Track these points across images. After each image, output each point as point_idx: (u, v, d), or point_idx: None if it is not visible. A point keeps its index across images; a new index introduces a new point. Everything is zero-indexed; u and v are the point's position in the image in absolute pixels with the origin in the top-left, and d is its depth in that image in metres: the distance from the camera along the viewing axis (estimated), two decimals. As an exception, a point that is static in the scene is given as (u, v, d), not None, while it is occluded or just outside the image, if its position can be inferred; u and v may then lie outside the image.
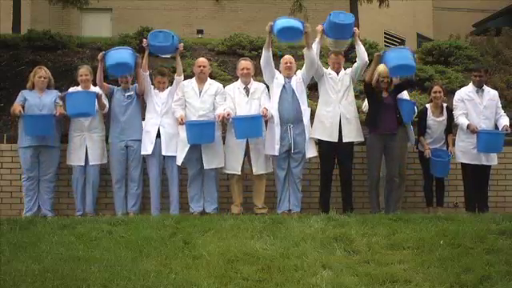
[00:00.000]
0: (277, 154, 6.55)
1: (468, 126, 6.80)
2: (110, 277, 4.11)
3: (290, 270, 4.33)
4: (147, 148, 6.72)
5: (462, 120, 6.89)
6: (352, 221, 5.62)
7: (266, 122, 6.71)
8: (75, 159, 6.81)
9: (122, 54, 6.69)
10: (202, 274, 4.23)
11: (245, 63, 6.81)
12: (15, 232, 5.31)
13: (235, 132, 6.51)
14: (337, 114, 6.63)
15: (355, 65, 6.77)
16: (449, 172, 7.01)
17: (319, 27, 6.70)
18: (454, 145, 7.04)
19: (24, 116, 6.56)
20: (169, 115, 6.79)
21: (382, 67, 6.69)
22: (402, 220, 5.69)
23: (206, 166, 6.63)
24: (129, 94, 6.87)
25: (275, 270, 4.31)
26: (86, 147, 6.77)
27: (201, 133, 6.45)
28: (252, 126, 6.48)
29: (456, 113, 6.96)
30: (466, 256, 4.60)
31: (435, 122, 7.06)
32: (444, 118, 7.07)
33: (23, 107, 6.65)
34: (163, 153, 6.72)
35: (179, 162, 6.66)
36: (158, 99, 6.81)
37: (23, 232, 5.32)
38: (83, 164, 6.79)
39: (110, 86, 7.00)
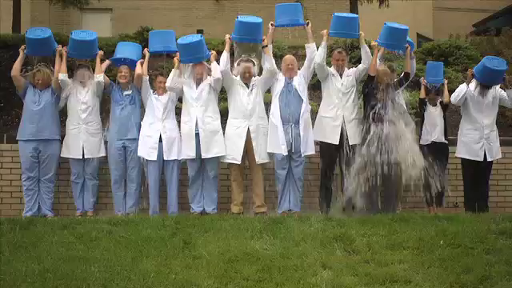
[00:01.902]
0: (284, 153, 6.53)
1: (466, 82, 6.97)
2: (109, 277, 4.12)
3: (289, 269, 4.33)
4: (150, 154, 6.70)
5: (458, 89, 6.97)
6: (352, 221, 5.62)
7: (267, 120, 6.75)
8: (72, 151, 6.79)
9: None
10: (201, 274, 4.23)
11: (247, 66, 6.76)
12: (15, 232, 5.31)
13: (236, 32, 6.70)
14: (339, 116, 6.64)
15: (360, 66, 6.79)
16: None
17: (324, 31, 6.71)
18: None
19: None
20: (169, 120, 6.82)
21: (382, 67, 6.70)
22: (402, 220, 5.69)
23: (203, 156, 6.61)
24: (127, 93, 6.87)
25: (275, 270, 4.31)
26: (82, 140, 6.77)
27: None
28: (253, 30, 6.61)
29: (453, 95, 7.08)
30: (466, 256, 4.61)
31: (432, 108, 7.20)
32: (439, 106, 7.21)
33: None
34: (165, 158, 6.72)
35: (193, 155, 6.61)
36: (158, 104, 6.80)
37: (23, 232, 5.32)
38: (79, 157, 6.78)
39: (110, 81, 7.03)
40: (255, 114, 6.68)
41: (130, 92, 6.88)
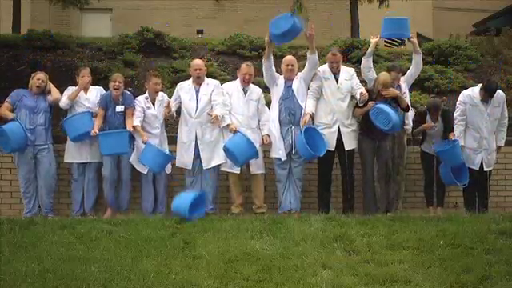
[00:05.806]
0: (283, 158, 6.54)
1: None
2: (109, 277, 4.12)
3: (289, 269, 4.33)
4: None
5: (457, 132, 6.82)
6: (352, 221, 5.62)
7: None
8: (75, 156, 6.80)
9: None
10: (201, 274, 4.24)
11: (247, 69, 6.76)
12: (15, 232, 5.31)
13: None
14: (336, 122, 6.62)
15: (356, 97, 6.61)
16: (460, 159, 6.66)
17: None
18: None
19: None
20: (163, 129, 6.89)
21: (382, 77, 6.60)
22: (402, 220, 5.70)
23: (204, 166, 6.65)
24: (119, 110, 6.78)
25: (275, 270, 4.31)
26: (84, 146, 6.76)
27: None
28: (248, 151, 6.37)
29: (456, 114, 6.90)
30: (466, 256, 4.61)
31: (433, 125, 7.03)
32: (440, 122, 6.94)
33: (13, 110, 6.68)
34: None
35: (189, 165, 6.68)
36: (152, 118, 6.77)
37: (23, 232, 5.32)
38: (81, 161, 6.78)
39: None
40: (249, 126, 6.65)
41: (121, 109, 6.80)
